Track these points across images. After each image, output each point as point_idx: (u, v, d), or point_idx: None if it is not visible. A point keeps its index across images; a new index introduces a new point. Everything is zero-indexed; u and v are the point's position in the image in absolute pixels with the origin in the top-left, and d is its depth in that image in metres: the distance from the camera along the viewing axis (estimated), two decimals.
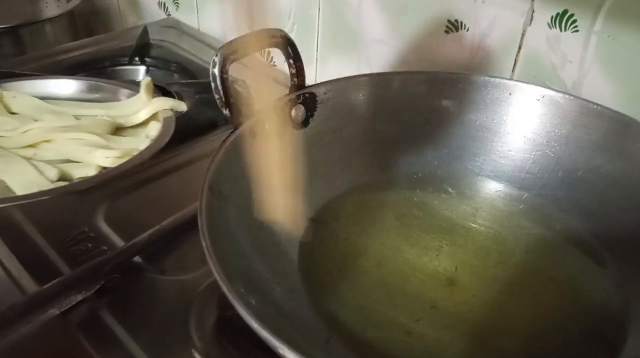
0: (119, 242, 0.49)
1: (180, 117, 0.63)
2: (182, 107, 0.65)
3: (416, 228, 0.47)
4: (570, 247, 0.46)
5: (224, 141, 0.41)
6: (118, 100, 0.66)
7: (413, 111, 0.52)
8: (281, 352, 0.26)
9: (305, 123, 0.49)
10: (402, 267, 0.43)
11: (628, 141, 0.46)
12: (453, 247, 0.46)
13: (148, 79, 0.66)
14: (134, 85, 0.67)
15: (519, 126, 0.51)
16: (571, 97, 0.48)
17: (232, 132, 0.42)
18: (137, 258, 0.48)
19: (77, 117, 0.63)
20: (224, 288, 0.28)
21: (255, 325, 0.26)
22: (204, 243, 0.32)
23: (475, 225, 0.48)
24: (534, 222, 0.48)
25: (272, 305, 0.34)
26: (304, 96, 0.48)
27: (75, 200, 0.54)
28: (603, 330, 0.39)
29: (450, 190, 0.51)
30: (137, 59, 0.84)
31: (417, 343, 0.37)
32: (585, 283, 0.43)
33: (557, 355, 0.37)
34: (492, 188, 0.51)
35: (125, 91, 0.66)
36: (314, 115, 0.49)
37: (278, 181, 0.42)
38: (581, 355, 0.38)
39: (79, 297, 0.43)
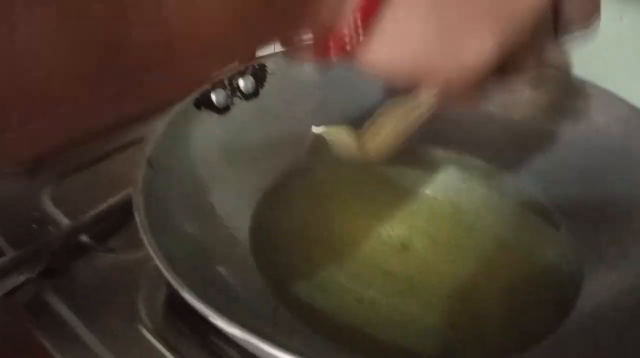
0: (65, 221, 0.48)
1: None
2: None
3: (369, 197, 0.47)
4: (524, 209, 0.46)
5: (168, 112, 0.40)
6: None
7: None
8: (212, 320, 0.25)
9: (254, 94, 0.47)
10: (354, 235, 0.43)
11: (580, 102, 0.46)
12: (406, 214, 0.45)
13: None
14: None
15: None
16: None
17: (179, 103, 0.41)
18: (84, 238, 0.46)
19: None
20: (153, 255, 0.27)
21: (186, 294, 0.25)
22: (137, 218, 0.30)
23: (429, 191, 0.48)
24: (487, 186, 0.48)
25: (215, 279, 0.33)
26: (253, 67, 0.47)
27: (19, 179, 0.52)
28: (556, 289, 0.39)
29: (404, 158, 0.50)
30: None
31: (368, 309, 0.37)
32: (539, 244, 0.43)
33: (509, 315, 0.37)
34: (446, 154, 0.51)
35: None
36: (264, 86, 0.48)
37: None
38: (533, 314, 0.38)
39: (22, 278, 0.41)
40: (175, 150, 0.39)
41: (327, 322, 0.35)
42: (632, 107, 0.44)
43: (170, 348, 0.37)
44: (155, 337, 0.38)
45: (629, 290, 0.37)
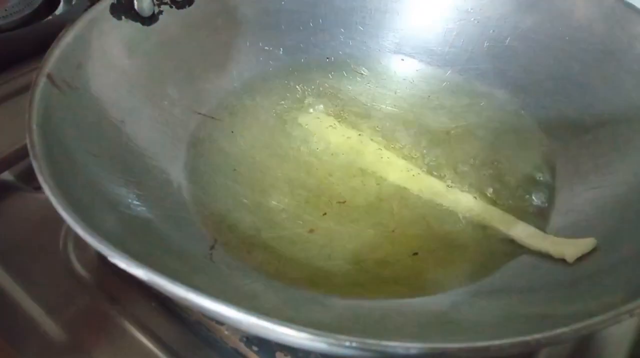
0: None
1: None
2: None
3: (328, 117, 0.41)
4: (495, 122, 0.41)
5: (76, 20, 0.33)
6: None
7: None
8: (110, 258, 0.20)
9: (188, 1, 0.40)
10: (308, 161, 0.38)
11: None
12: (369, 135, 0.40)
13: None
14: None
15: None
16: None
17: (88, 7, 0.34)
18: (6, 176, 0.41)
19: None
20: (45, 188, 0.22)
21: (83, 232, 0.21)
22: (28, 140, 0.25)
23: (394, 109, 0.42)
24: (457, 100, 0.43)
25: (135, 217, 0.29)
26: None
27: None
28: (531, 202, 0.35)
29: (366, 72, 0.45)
30: None
31: (319, 239, 0.32)
32: (512, 158, 0.38)
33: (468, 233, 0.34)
34: (412, 67, 0.45)
35: None
36: None
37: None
38: None
39: None
40: (86, 65, 0.33)
41: (273, 255, 0.31)
42: (617, 1, 0.39)
43: (107, 298, 0.33)
44: (89, 287, 0.33)
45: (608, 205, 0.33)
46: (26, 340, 0.32)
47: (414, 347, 0.18)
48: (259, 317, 0.18)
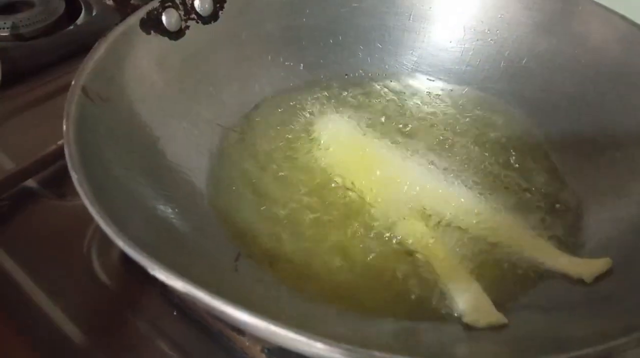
0: (9, 165, 0.43)
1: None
2: None
3: (346, 132, 0.42)
4: (511, 141, 0.41)
5: (106, 34, 0.34)
6: None
7: (340, 2, 0.46)
8: (151, 271, 0.21)
9: (213, 16, 0.42)
10: (328, 175, 0.38)
11: (575, 21, 0.41)
12: (387, 149, 0.41)
13: None
14: None
15: (458, 13, 0.45)
16: None
17: (119, 23, 0.35)
18: (31, 183, 0.42)
19: None
20: (86, 202, 0.23)
21: (118, 240, 0.21)
22: (66, 152, 0.26)
23: (411, 126, 0.43)
24: (474, 118, 0.43)
25: (163, 227, 0.29)
26: None
27: None
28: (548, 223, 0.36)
29: (384, 89, 0.46)
30: None
31: (340, 252, 0.33)
32: (528, 178, 0.39)
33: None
34: (430, 84, 0.46)
35: None
36: (224, 7, 0.42)
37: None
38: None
39: None
40: (118, 78, 0.33)
41: (296, 268, 0.32)
42: (632, 25, 0.40)
43: (128, 304, 0.33)
44: (112, 294, 0.34)
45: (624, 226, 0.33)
46: (49, 345, 0.32)
47: None
48: (301, 334, 0.18)
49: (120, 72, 0.34)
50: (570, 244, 0.34)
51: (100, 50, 0.33)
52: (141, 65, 0.36)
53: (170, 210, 0.30)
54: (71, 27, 0.57)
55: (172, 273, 0.20)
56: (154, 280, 0.34)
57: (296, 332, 0.19)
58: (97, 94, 0.31)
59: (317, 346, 0.19)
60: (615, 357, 0.28)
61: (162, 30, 0.38)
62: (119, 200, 0.27)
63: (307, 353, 0.20)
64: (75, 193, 0.38)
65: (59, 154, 0.42)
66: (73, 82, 0.31)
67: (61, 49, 0.55)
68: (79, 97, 0.30)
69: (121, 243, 0.22)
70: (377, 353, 0.18)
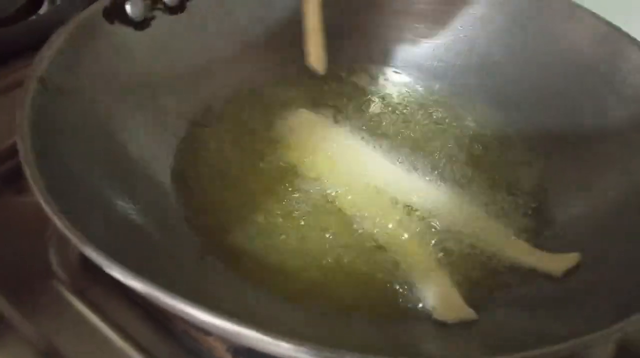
0: None
1: None
2: None
3: (317, 127, 0.41)
4: (482, 136, 0.41)
5: (67, 23, 0.33)
6: None
7: None
8: (106, 269, 0.20)
9: (180, 7, 0.40)
10: (298, 170, 0.38)
11: (545, 18, 0.41)
12: (358, 145, 0.40)
13: None
14: None
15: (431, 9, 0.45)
16: None
17: (80, 10, 0.34)
18: None
19: None
20: (38, 196, 0.22)
21: (70, 234, 0.20)
22: (19, 144, 0.24)
23: (381, 122, 0.43)
24: (445, 113, 0.43)
25: (127, 225, 0.28)
26: None
27: None
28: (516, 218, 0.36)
29: (355, 85, 0.45)
30: None
31: (310, 250, 0.32)
32: (497, 172, 0.39)
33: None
34: (401, 80, 0.46)
35: None
36: None
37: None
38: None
39: None
40: (78, 69, 0.32)
41: (262, 267, 0.31)
42: (601, 22, 0.40)
43: (87, 304, 0.32)
44: (70, 291, 0.32)
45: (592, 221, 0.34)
46: (5, 346, 0.31)
47: None
48: (267, 335, 0.18)
49: (80, 63, 0.33)
50: (539, 239, 0.34)
51: (59, 39, 0.32)
52: (103, 56, 0.34)
53: (132, 206, 0.29)
54: (33, 17, 0.55)
55: (129, 272, 0.19)
56: (116, 280, 0.33)
57: (261, 332, 0.18)
58: (55, 85, 0.30)
59: (283, 346, 0.18)
60: (584, 353, 0.28)
61: (126, 20, 0.37)
62: (76, 196, 0.25)
63: (274, 354, 0.19)
64: None
65: (17, 149, 0.40)
66: (30, 73, 0.29)
67: (22, 40, 0.52)
68: (35, 88, 0.28)
69: (73, 238, 0.20)
70: (345, 353, 0.18)
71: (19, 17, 0.55)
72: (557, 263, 0.31)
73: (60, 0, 0.57)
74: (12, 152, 0.40)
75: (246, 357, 0.30)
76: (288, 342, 0.18)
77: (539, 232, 0.34)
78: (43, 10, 0.56)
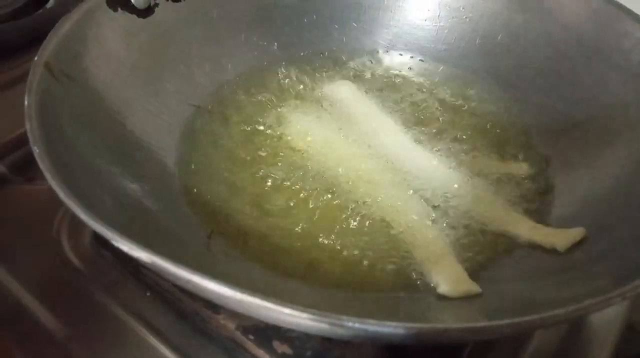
0: None
1: None
2: None
3: (321, 112, 0.42)
4: (487, 116, 0.41)
5: (72, 11, 0.33)
6: None
7: None
8: (114, 242, 0.20)
9: None
10: (300, 153, 0.38)
11: None
12: (360, 130, 0.40)
13: None
14: None
15: None
16: None
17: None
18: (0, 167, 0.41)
19: None
20: (47, 175, 0.22)
21: (81, 213, 0.21)
22: (27, 126, 0.25)
23: (386, 105, 0.43)
24: (450, 95, 0.43)
25: (135, 207, 0.29)
26: None
27: None
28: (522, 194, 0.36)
29: (360, 68, 0.46)
30: None
31: (314, 230, 0.33)
32: (503, 151, 0.39)
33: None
34: (406, 63, 0.46)
35: None
36: None
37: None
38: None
39: None
40: (83, 56, 0.33)
41: (269, 246, 0.31)
42: (609, 1, 0.40)
43: (102, 288, 0.33)
44: (83, 277, 0.33)
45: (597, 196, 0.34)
46: (22, 330, 0.31)
47: (415, 327, 0.18)
48: (264, 298, 0.18)
49: (85, 49, 0.33)
50: (545, 215, 0.34)
51: (64, 26, 0.32)
52: (108, 43, 0.35)
53: (139, 189, 0.30)
54: (40, 11, 0.55)
55: (135, 244, 0.20)
56: (126, 261, 0.33)
57: (264, 299, 0.19)
58: (62, 70, 0.31)
59: (287, 312, 0.19)
60: (587, 319, 0.28)
61: (130, 8, 0.37)
62: (83, 176, 0.26)
63: (278, 322, 0.20)
64: (44, 177, 0.38)
65: (27, 137, 0.41)
66: (36, 58, 0.30)
67: (29, 33, 0.53)
68: (42, 73, 0.29)
69: (81, 213, 0.21)
70: (345, 318, 0.18)
71: (26, 11, 0.55)
72: (562, 238, 0.31)
73: None
74: (21, 141, 0.41)
75: (255, 334, 0.30)
76: (291, 308, 0.18)
77: (544, 208, 0.34)
78: (50, 4, 0.57)
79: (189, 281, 0.19)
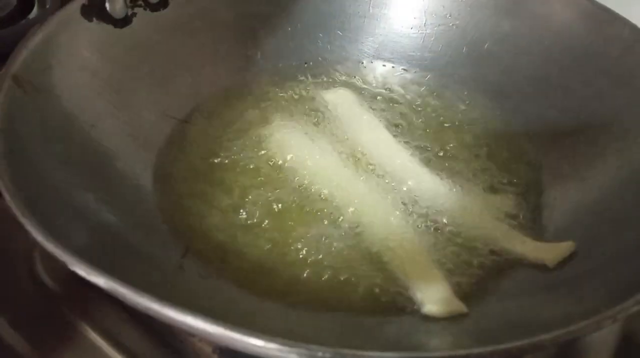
0: None
1: None
2: None
3: (310, 124, 0.40)
4: (475, 126, 0.40)
5: (44, 20, 0.32)
6: None
7: None
8: (71, 266, 0.19)
9: (163, 3, 0.40)
10: (283, 168, 0.36)
11: (536, 2, 0.41)
12: (345, 143, 0.39)
13: None
14: None
15: None
16: None
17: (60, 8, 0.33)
18: None
19: None
20: (5, 195, 0.21)
21: (36, 233, 0.19)
22: None
23: (375, 112, 0.42)
24: (437, 104, 0.42)
25: (104, 227, 0.27)
26: None
27: None
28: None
29: (345, 78, 0.45)
30: None
31: (296, 248, 0.31)
32: (492, 162, 0.38)
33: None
34: (392, 72, 0.45)
35: None
36: None
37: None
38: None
39: None
40: (55, 68, 0.31)
41: (246, 265, 0.30)
42: (595, 5, 0.39)
43: (76, 310, 0.31)
44: (57, 298, 0.32)
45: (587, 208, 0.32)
46: None
47: (395, 356, 0.17)
48: (225, 328, 0.17)
49: (58, 61, 0.32)
50: (534, 229, 0.32)
51: (36, 37, 0.31)
52: (82, 55, 0.34)
53: (110, 207, 0.28)
54: (22, 21, 0.54)
55: (93, 268, 0.18)
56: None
57: (230, 329, 0.18)
58: (31, 84, 0.29)
59: (253, 342, 0.18)
60: (578, 340, 0.27)
61: (106, 18, 0.36)
62: (46, 194, 0.25)
63: (246, 351, 0.19)
64: None
65: None
66: (3, 70, 0.29)
67: (12, 44, 0.52)
68: (9, 86, 0.28)
69: (39, 237, 0.20)
70: (315, 348, 0.17)
71: (8, 22, 0.54)
72: (551, 252, 0.30)
73: (50, 4, 0.57)
74: None
75: (231, 357, 0.29)
76: (258, 337, 0.17)
77: (533, 221, 0.33)
78: (33, 14, 0.56)
79: (149, 308, 0.18)
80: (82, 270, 0.19)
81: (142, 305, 0.18)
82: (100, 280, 0.18)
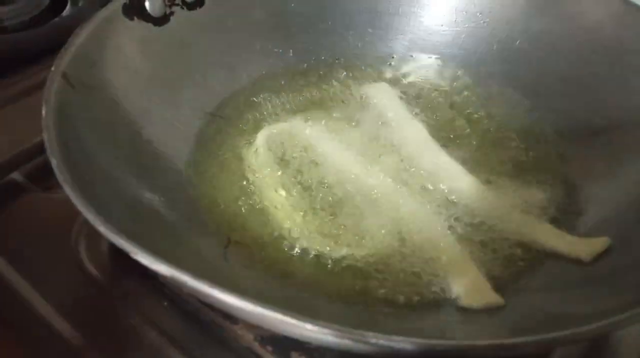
0: None
1: None
2: None
3: (341, 119, 0.41)
4: (506, 123, 0.41)
5: (88, 19, 0.33)
6: None
7: None
8: (133, 255, 0.20)
9: (199, 2, 0.41)
10: (315, 162, 0.37)
11: (568, 1, 0.41)
12: (377, 138, 0.40)
13: None
14: None
15: None
16: None
17: (102, 7, 0.34)
18: (17, 176, 0.41)
19: None
20: (64, 186, 0.22)
21: (101, 226, 0.20)
22: (45, 137, 0.25)
23: (403, 111, 0.42)
24: (468, 101, 0.43)
25: (152, 217, 0.28)
26: None
27: None
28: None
29: (375, 74, 0.45)
30: None
31: (332, 241, 0.32)
32: (525, 159, 0.38)
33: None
34: (422, 68, 0.45)
35: None
36: None
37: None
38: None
39: None
40: (100, 65, 0.33)
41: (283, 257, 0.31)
42: (625, 3, 0.39)
43: (119, 297, 0.32)
44: (101, 286, 0.33)
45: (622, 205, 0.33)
46: (38, 339, 0.31)
47: (440, 343, 0.18)
48: (288, 315, 0.18)
49: (102, 58, 0.33)
50: (569, 224, 0.33)
51: (81, 36, 0.32)
52: (124, 52, 0.35)
53: (156, 198, 0.29)
54: (56, 19, 0.56)
55: (155, 256, 0.19)
56: (144, 271, 0.33)
57: (285, 314, 0.18)
58: (79, 80, 0.30)
59: (309, 328, 0.18)
60: (613, 334, 0.27)
61: (146, 16, 0.37)
62: (101, 187, 0.26)
63: (300, 337, 0.19)
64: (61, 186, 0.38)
65: (44, 146, 0.41)
66: (53, 68, 0.30)
67: (46, 41, 0.53)
68: (59, 83, 0.29)
69: (99, 226, 0.21)
70: (369, 335, 0.18)
71: (42, 20, 0.56)
72: (587, 247, 0.30)
73: (82, 1, 0.58)
74: (38, 149, 0.41)
75: (273, 345, 0.30)
76: (313, 323, 0.18)
77: (568, 217, 0.33)
78: (66, 12, 0.57)
79: (209, 296, 0.19)
80: (146, 259, 0.20)
81: (203, 292, 0.19)
82: (162, 268, 0.19)
